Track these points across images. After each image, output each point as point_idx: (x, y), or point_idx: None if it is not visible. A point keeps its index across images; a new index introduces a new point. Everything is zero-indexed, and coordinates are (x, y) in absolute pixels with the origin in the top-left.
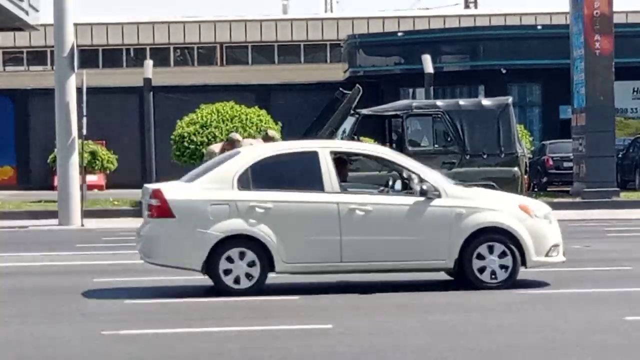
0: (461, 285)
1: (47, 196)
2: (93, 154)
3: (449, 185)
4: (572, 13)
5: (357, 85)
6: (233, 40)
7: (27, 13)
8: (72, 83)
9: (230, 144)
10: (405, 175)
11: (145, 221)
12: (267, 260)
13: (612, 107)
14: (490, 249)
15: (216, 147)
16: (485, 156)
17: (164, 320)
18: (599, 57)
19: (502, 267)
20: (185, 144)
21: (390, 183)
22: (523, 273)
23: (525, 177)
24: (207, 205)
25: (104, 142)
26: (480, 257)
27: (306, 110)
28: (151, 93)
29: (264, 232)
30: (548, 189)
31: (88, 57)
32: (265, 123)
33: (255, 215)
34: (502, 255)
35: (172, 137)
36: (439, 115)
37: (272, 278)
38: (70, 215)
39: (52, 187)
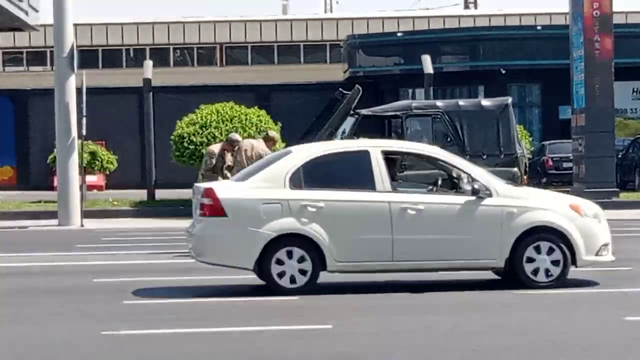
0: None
1: (47, 196)
2: (93, 154)
3: (500, 185)
4: (572, 13)
5: (357, 85)
6: (233, 41)
7: (26, 13)
8: (72, 83)
9: (230, 144)
10: (454, 174)
11: (197, 220)
12: (318, 259)
13: (612, 108)
14: (541, 248)
15: (216, 147)
16: (484, 156)
17: (164, 320)
18: (598, 57)
19: (553, 265)
20: (185, 144)
21: (440, 182)
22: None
23: (525, 177)
24: (259, 204)
25: (104, 142)
26: (531, 256)
27: (306, 111)
28: (151, 93)
29: (316, 231)
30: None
31: (88, 57)
32: (265, 123)
33: (307, 214)
34: (553, 254)
35: (172, 137)
36: (439, 116)
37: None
38: (70, 215)
39: (52, 188)
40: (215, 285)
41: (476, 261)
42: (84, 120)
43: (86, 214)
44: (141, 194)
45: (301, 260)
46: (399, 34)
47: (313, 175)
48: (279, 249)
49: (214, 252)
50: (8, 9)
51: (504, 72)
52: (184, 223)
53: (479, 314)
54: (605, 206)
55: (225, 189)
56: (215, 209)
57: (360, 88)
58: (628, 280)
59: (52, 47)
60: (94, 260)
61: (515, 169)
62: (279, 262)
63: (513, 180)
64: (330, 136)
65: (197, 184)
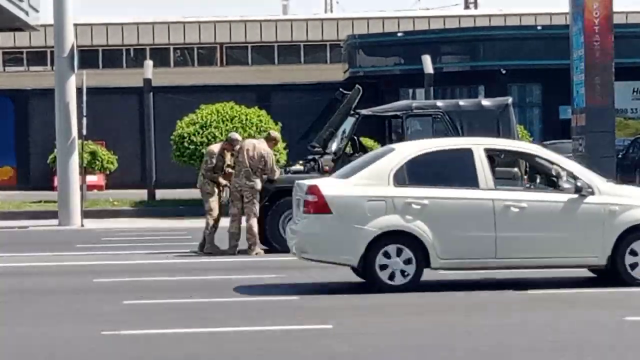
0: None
1: (47, 196)
2: (93, 154)
3: (602, 183)
4: (572, 13)
5: (357, 85)
6: (233, 41)
7: (27, 13)
8: (72, 83)
9: (230, 144)
10: (554, 172)
11: (300, 217)
12: (422, 256)
13: (612, 108)
14: None
15: (216, 147)
16: None
17: (164, 320)
18: (599, 57)
19: None
20: (185, 144)
21: (539, 180)
22: (525, 273)
23: (525, 177)
24: (364, 201)
25: (104, 142)
26: (633, 253)
27: (306, 111)
28: (151, 93)
29: (420, 228)
30: None
31: (88, 57)
32: (265, 123)
33: (412, 212)
34: None
35: (172, 137)
36: (439, 116)
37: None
38: (70, 215)
39: (52, 188)
40: (215, 285)
41: (578, 259)
42: (84, 120)
43: (86, 214)
44: (141, 194)
45: (405, 257)
46: (399, 34)
47: (416, 172)
48: (384, 246)
49: (318, 249)
50: (8, 9)
51: (504, 72)
52: (184, 223)
53: (479, 313)
54: None
55: (329, 186)
56: (320, 206)
57: (360, 88)
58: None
59: (53, 47)
60: (94, 260)
61: (516, 169)
62: (384, 259)
63: (513, 180)
64: (331, 136)
65: (300, 181)
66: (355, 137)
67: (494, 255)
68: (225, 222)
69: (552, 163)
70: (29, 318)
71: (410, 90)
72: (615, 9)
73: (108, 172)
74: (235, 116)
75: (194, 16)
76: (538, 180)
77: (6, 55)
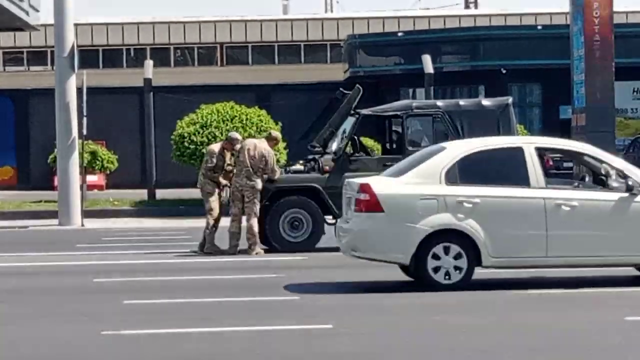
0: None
1: (47, 196)
2: (93, 154)
3: None
4: (572, 13)
5: (357, 85)
6: (233, 40)
7: (27, 13)
8: (72, 83)
9: (230, 143)
10: (603, 171)
11: (351, 216)
12: (474, 254)
13: (612, 107)
14: None
15: (216, 146)
16: None
17: (164, 320)
18: (598, 57)
19: None
20: (186, 144)
21: (587, 179)
22: (524, 273)
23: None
24: (416, 199)
25: (104, 142)
26: None
27: (306, 110)
28: (151, 93)
29: (471, 226)
30: None
31: (88, 57)
32: (265, 123)
33: (463, 210)
34: None
35: (172, 137)
36: (439, 115)
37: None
38: (71, 215)
39: (52, 187)
40: (215, 285)
41: (629, 257)
42: (85, 120)
43: (87, 214)
44: (141, 194)
45: (457, 256)
46: (399, 34)
47: (468, 171)
48: (436, 244)
49: (369, 248)
50: (9, 8)
51: (504, 71)
52: (184, 223)
53: (479, 313)
54: None
55: (381, 184)
56: (372, 205)
57: (360, 88)
58: (628, 280)
59: (53, 47)
60: (94, 260)
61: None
62: (435, 257)
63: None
64: (331, 136)
65: (350, 180)
66: (356, 137)
67: (545, 253)
68: (225, 221)
69: (602, 162)
70: (29, 318)
71: (411, 90)
72: (615, 9)
73: (108, 172)
74: (236, 116)
75: (194, 16)
76: (587, 179)
77: (6, 55)
